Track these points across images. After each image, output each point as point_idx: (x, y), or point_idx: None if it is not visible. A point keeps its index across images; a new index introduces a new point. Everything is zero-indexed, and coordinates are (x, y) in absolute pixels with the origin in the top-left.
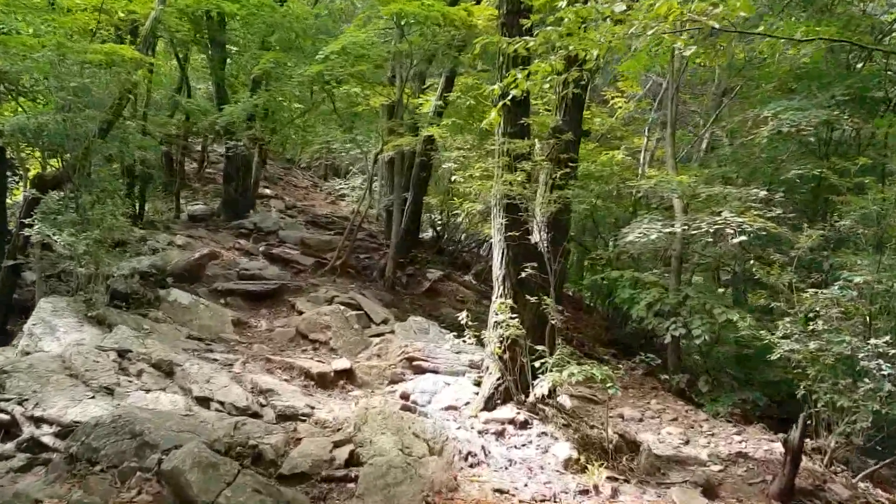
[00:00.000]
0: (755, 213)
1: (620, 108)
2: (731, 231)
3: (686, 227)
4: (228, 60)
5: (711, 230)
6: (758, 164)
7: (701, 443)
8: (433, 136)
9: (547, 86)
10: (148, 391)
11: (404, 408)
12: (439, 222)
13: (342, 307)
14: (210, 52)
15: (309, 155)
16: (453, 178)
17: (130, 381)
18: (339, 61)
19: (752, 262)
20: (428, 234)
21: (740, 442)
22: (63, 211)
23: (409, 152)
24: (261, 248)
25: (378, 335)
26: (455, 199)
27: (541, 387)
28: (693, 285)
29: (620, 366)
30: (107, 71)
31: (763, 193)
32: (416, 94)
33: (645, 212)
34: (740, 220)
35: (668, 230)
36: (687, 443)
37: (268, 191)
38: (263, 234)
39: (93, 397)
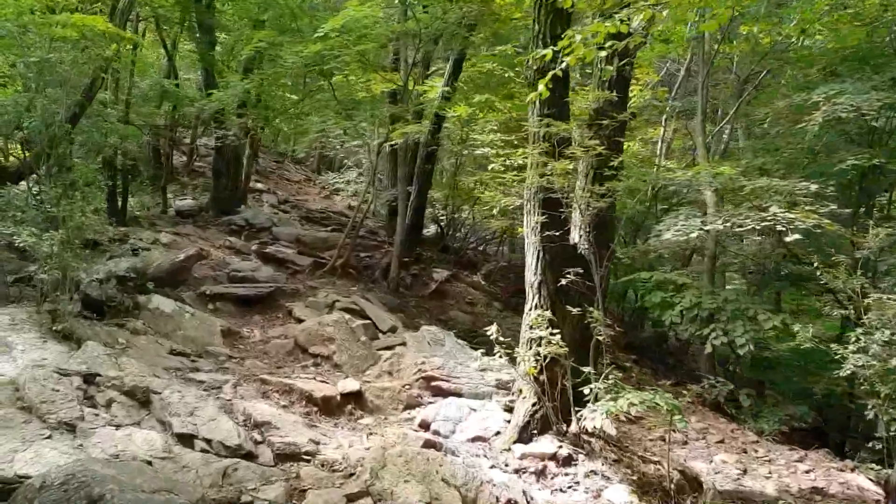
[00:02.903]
0: (807, 208)
1: (634, 95)
2: (783, 228)
3: (730, 224)
4: (219, 48)
5: (758, 227)
6: (795, 155)
7: (761, 473)
8: (440, 125)
9: (603, 53)
10: (118, 427)
11: (427, 444)
12: (442, 218)
13: (346, 315)
14: (198, 36)
15: (307, 144)
16: (490, 167)
17: (97, 415)
18: (339, 40)
19: (815, 263)
20: (429, 230)
21: (807, 472)
22: (26, 207)
23: (413, 143)
24: (253, 247)
25: (388, 348)
26: (465, 192)
27: (592, 418)
28: (733, 289)
29: (684, 392)
30: (77, 46)
31: (815, 187)
32: (420, 80)
33: (665, 207)
34: (791, 215)
35: (709, 227)
36: (745, 472)
37: (259, 185)
38: (255, 230)
39: (49, 437)
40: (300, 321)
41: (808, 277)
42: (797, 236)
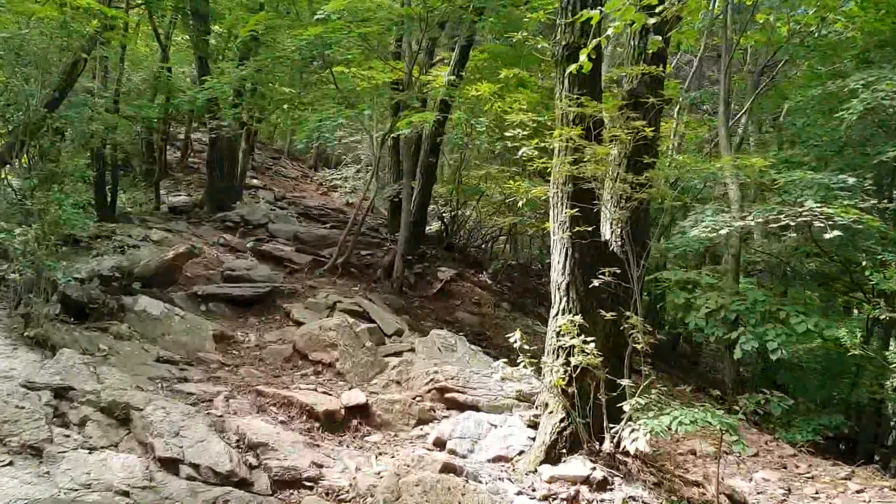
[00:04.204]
0: (846, 202)
1: None
2: (822, 224)
3: (762, 220)
4: (213, 41)
5: (793, 223)
6: (825, 147)
7: (807, 493)
8: (446, 116)
9: (652, 20)
10: (92, 450)
11: (446, 467)
12: (445, 214)
13: (350, 318)
14: (192, 23)
15: (306, 134)
16: (522, 151)
17: (68, 436)
18: (339, 23)
19: (863, 263)
20: (431, 227)
21: (858, 492)
22: None
23: (417, 135)
24: (249, 244)
25: (395, 354)
26: (469, 188)
27: (633, 439)
28: (761, 289)
29: (737, 407)
30: (56, 23)
31: (852, 180)
32: (424, 69)
33: (677, 203)
34: (830, 210)
35: (743, 223)
36: (789, 492)
37: (256, 181)
38: (251, 227)
39: (9, 464)
40: (299, 324)
41: (834, 276)
42: (837, 233)
